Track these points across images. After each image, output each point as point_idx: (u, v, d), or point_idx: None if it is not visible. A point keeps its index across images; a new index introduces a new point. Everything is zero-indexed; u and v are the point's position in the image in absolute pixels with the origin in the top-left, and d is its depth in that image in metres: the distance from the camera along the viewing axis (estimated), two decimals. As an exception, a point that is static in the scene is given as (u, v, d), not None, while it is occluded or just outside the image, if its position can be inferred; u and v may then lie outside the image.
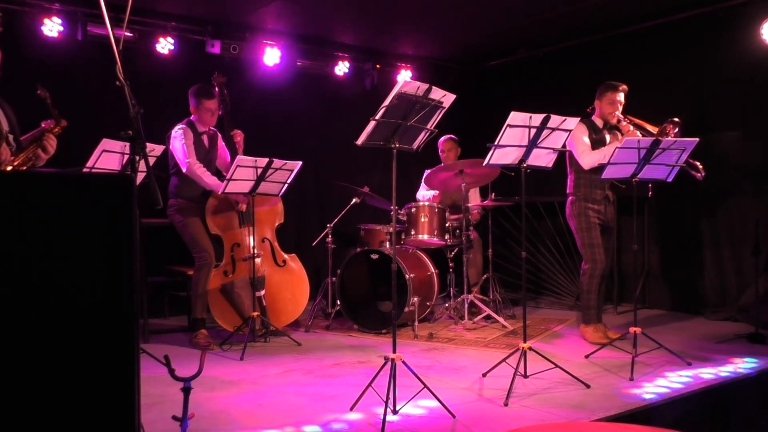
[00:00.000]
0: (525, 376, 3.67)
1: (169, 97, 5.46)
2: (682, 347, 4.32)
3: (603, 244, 4.61)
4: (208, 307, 4.76)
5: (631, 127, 4.59)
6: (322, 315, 5.64)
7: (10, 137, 3.33)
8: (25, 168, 3.29)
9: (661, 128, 4.44)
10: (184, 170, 4.66)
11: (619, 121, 4.63)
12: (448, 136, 6.06)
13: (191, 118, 4.80)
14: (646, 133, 4.50)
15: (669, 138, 4.18)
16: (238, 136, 4.90)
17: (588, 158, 4.50)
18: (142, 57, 5.62)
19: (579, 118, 3.79)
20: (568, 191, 4.72)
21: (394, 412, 3.09)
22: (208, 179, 4.68)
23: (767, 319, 4.87)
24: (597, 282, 4.57)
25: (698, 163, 4.46)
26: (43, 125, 3.46)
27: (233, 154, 4.85)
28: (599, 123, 4.66)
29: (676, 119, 4.43)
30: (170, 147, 4.68)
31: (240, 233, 4.90)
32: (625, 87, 4.64)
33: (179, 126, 4.73)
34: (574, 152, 4.58)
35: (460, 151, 6.08)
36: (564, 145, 3.75)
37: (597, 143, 4.56)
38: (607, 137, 4.63)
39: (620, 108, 4.62)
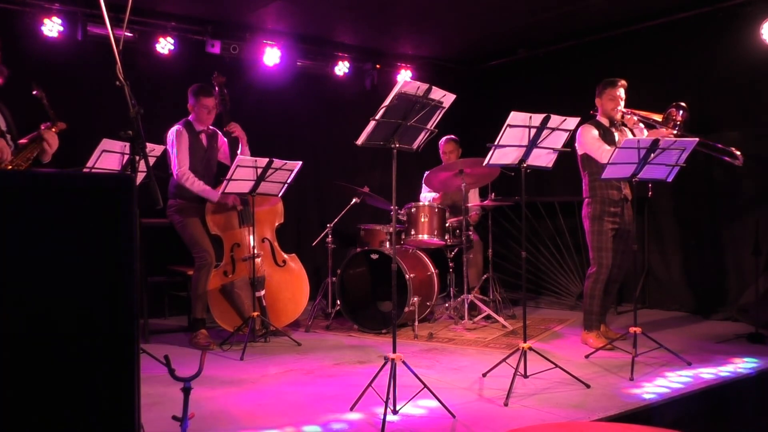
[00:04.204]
0: (525, 376, 3.67)
1: (169, 97, 5.47)
2: (682, 347, 4.31)
3: (620, 247, 4.53)
4: (208, 307, 4.76)
5: (636, 119, 4.53)
6: (322, 315, 5.64)
7: (8, 137, 3.34)
8: (24, 167, 3.29)
9: (665, 115, 4.39)
10: (175, 177, 4.68)
11: (623, 115, 4.57)
12: (449, 136, 6.04)
13: (189, 117, 4.81)
14: (651, 123, 4.43)
15: (677, 121, 4.17)
16: (235, 129, 4.88)
17: (607, 155, 4.24)
18: (142, 57, 5.62)
19: (579, 118, 3.78)
20: (584, 195, 4.62)
21: (394, 412, 3.09)
22: (198, 188, 4.67)
23: (767, 319, 4.87)
24: (601, 287, 4.48)
25: (734, 149, 4.32)
26: (42, 127, 3.47)
27: (234, 149, 4.85)
28: (605, 122, 4.60)
29: (682, 103, 4.37)
30: (167, 147, 4.69)
31: (240, 233, 4.90)
32: (624, 82, 4.59)
33: (175, 127, 4.73)
34: (592, 153, 4.49)
35: (461, 152, 6.08)
36: (566, 146, 3.73)
37: (607, 143, 4.47)
38: (616, 135, 4.57)
39: (622, 103, 4.57)
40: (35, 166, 3.45)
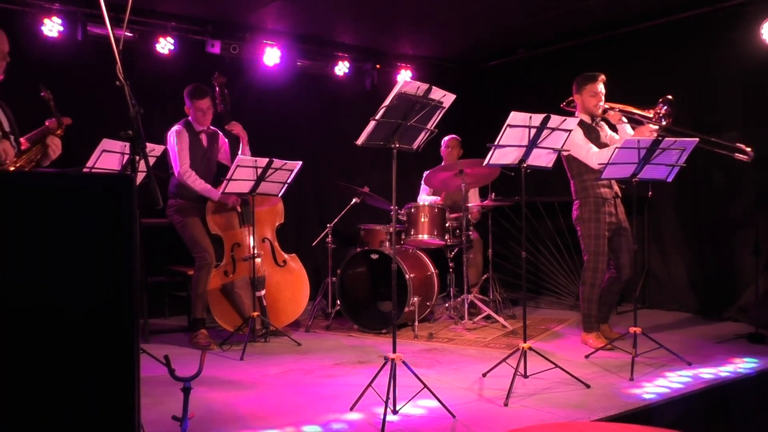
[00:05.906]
0: (525, 376, 3.67)
1: (169, 97, 5.46)
2: (682, 347, 4.31)
3: (623, 247, 4.48)
4: (208, 307, 4.76)
5: (623, 118, 4.48)
6: (322, 315, 5.64)
7: (11, 138, 3.34)
8: (27, 169, 3.29)
9: (655, 112, 4.32)
10: (176, 176, 4.69)
11: (605, 111, 4.49)
12: (453, 135, 6.10)
13: (188, 118, 4.81)
14: (636, 118, 4.38)
15: (662, 114, 4.17)
16: (235, 127, 4.86)
17: (597, 157, 4.30)
18: (142, 57, 5.62)
19: (579, 118, 3.77)
20: (574, 197, 4.56)
21: (394, 412, 3.09)
22: (200, 186, 4.68)
23: (767, 319, 4.87)
24: (598, 291, 4.44)
25: (743, 145, 4.29)
26: (47, 123, 3.47)
27: (235, 149, 4.85)
28: (586, 119, 4.51)
29: (669, 96, 4.32)
30: (168, 147, 4.69)
31: (240, 233, 4.90)
32: (603, 76, 4.50)
33: (175, 128, 4.74)
34: (580, 155, 4.42)
35: (462, 151, 6.09)
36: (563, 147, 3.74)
37: (594, 140, 4.43)
38: (599, 131, 4.53)
39: (603, 98, 4.49)
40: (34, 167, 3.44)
